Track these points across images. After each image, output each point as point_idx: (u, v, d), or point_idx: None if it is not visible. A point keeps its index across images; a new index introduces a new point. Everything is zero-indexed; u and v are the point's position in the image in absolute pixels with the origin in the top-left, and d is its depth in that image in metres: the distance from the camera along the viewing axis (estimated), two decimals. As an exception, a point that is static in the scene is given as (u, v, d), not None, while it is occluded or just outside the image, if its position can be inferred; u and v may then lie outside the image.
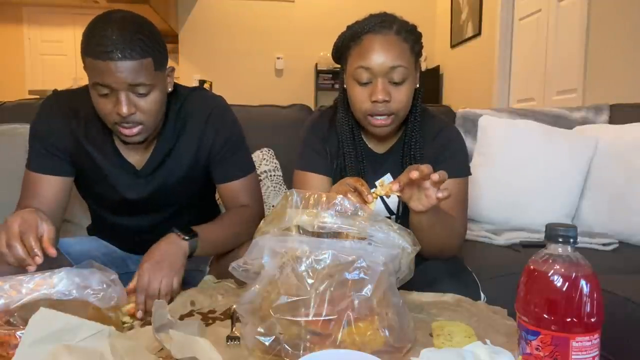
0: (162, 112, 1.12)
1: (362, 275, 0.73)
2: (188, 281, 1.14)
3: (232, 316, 0.89)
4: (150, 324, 0.78)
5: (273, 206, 1.78)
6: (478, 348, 0.71)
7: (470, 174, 1.21)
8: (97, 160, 1.17)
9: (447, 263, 1.14)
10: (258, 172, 1.83)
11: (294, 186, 1.21)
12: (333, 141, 1.20)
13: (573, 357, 0.58)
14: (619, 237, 1.69)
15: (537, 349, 0.59)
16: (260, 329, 0.73)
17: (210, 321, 0.90)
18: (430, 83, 5.13)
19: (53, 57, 6.17)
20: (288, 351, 0.71)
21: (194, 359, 0.68)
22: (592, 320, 0.58)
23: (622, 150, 1.76)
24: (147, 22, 1.06)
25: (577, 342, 0.57)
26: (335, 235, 0.81)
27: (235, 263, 0.80)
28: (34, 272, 0.85)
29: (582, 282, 0.58)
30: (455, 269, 1.15)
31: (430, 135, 1.19)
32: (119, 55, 0.97)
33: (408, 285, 0.89)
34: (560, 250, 0.60)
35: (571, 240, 0.60)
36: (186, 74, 5.37)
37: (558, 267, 0.59)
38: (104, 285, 0.85)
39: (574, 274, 0.58)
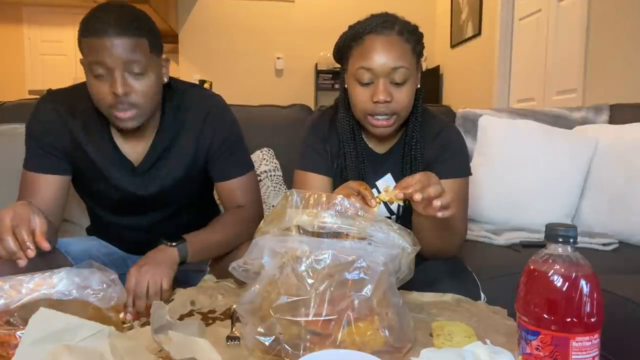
0: (157, 99, 1.11)
1: (362, 275, 0.73)
2: (188, 281, 1.14)
3: (232, 316, 0.89)
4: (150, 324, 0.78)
5: (273, 206, 1.78)
6: (478, 348, 0.71)
7: (470, 174, 1.21)
8: (94, 157, 1.17)
9: (447, 263, 1.14)
10: (258, 172, 1.83)
11: (294, 186, 1.21)
12: (333, 141, 1.20)
13: (573, 357, 0.58)
14: (619, 237, 1.69)
15: (537, 349, 0.59)
16: (260, 329, 0.73)
17: (210, 321, 0.90)
18: (430, 83, 5.13)
19: (53, 57, 6.17)
20: (288, 351, 0.71)
21: (194, 359, 0.68)
22: (592, 320, 0.58)
23: (622, 150, 1.76)
24: (143, 12, 1.09)
25: (577, 342, 0.57)
26: (335, 235, 0.81)
27: (235, 263, 0.80)
28: (33, 272, 0.85)
29: (582, 282, 0.58)
30: (455, 269, 1.15)
31: (431, 135, 1.19)
32: (115, 32, 0.99)
33: (408, 285, 0.89)
34: (560, 250, 0.60)
35: (571, 240, 0.60)
36: (186, 74, 5.37)
37: (558, 267, 0.59)
38: (104, 285, 0.85)
39: (574, 274, 0.58)
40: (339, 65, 1.20)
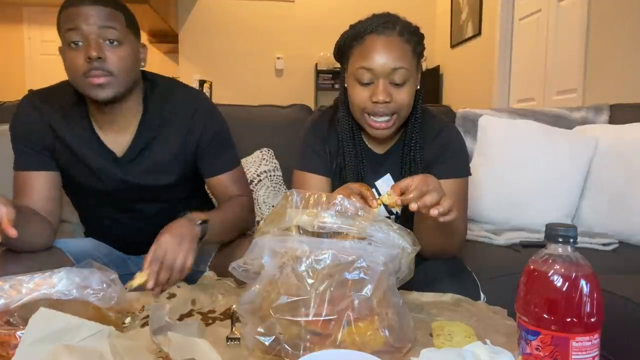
0: (132, 75, 1.12)
1: (362, 275, 0.73)
2: (188, 280, 1.14)
3: (232, 316, 0.89)
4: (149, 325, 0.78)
5: (273, 206, 1.78)
6: (478, 348, 0.71)
7: (470, 174, 1.21)
8: (76, 149, 1.17)
9: (447, 263, 1.14)
10: (258, 172, 1.83)
11: (294, 186, 1.21)
12: (333, 141, 1.20)
13: (573, 357, 0.58)
14: (619, 237, 1.69)
15: (537, 349, 0.59)
16: (260, 329, 0.73)
17: (210, 321, 0.90)
18: (430, 83, 5.13)
19: (53, 57, 6.12)
20: (288, 351, 0.71)
21: None
22: (592, 320, 0.58)
23: (622, 150, 1.76)
24: None
25: (577, 342, 0.57)
26: (335, 235, 0.81)
27: (235, 263, 0.80)
28: (34, 272, 0.85)
29: (582, 282, 0.58)
30: (455, 269, 1.15)
31: (431, 135, 1.19)
32: (92, 1, 1.05)
33: (408, 285, 0.89)
34: (560, 250, 0.60)
35: (571, 240, 0.60)
36: (186, 74, 5.37)
37: (558, 267, 0.59)
38: (104, 285, 0.85)
39: (574, 274, 0.58)
40: (339, 65, 1.20)
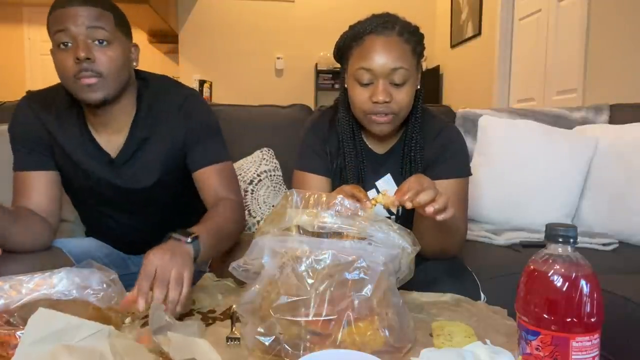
0: (123, 75, 1.11)
1: (362, 275, 0.73)
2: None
3: (232, 316, 0.89)
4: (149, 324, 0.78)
5: (273, 206, 1.78)
6: (478, 348, 0.71)
7: (470, 174, 1.21)
8: (70, 151, 1.17)
9: (447, 263, 1.14)
10: (258, 172, 1.83)
11: (293, 186, 1.21)
12: (333, 141, 1.20)
13: (573, 357, 0.57)
14: (619, 237, 1.69)
15: (537, 349, 0.59)
16: (260, 329, 0.73)
17: (210, 321, 0.90)
18: (430, 83, 5.13)
19: (53, 57, 6.16)
20: (288, 351, 0.71)
21: None
22: (592, 320, 0.58)
23: (622, 150, 1.76)
24: None
25: (577, 342, 0.57)
26: (335, 235, 0.81)
27: (235, 263, 0.80)
28: (34, 272, 0.85)
29: (582, 282, 0.58)
30: (455, 269, 1.15)
31: (431, 135, 1.19)
32: (79, 2, 1.04)
33: (408, 285, 0.89)
34: (560, 250, 0.60)
35: (571, 240, 0.60)
36: (186, 74, 5.37)
37: (558, 267, 0.59)
38: (104, 285, 0.85)
39: (574, 274, 0.58)
40: (339, 65, 1.20)
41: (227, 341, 0.80)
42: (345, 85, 1.15)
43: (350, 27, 1.12)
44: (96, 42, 1.05)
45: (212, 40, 5.48)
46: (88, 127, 1.17)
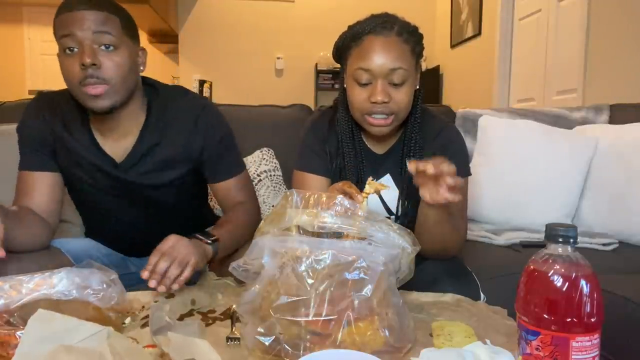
0: (130, 81, 1.10)
1: (362, 275, 0.73)
2: (188, 282, 1.14)
3: (232, 316, 0.89)
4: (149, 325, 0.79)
5: (273, 206, 1.78)
6: (478, 348, 0.71)
7: (470, 174, 1.21)
8: (77, 155, 1.17)
9: (447, 263, 1.14)
10: (258, 172, 1.83)
11: (293, 186, 1.21)
12: (333, 141, 1.20)
13: (573, 357, 0.57)
14: (619, 237, 1.69)
15: (537, 349, 0.59)
16: (260, 329, 0.73)
17: (210, 321, 0.90)
18: (430, 83, 5.13)
19: (53, 57, 6.06)
20: (288, 351, 0.71)
21: None
22: (592, 320, 0.58)
23: (622, 150, 1.76)
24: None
25: (577, 342, 0.57)
26: (336, 235, 0.81)
27: (235, 263, 0.80)
28: (33, 272, 0.85)
29: (582, 282, 0.58)
30: (455, 269, 1.15)
31: (431, 135, 1.19)
32: (85, 6, 1.02)
33: (408, 285, 0.89)
34: (560, 250, 0.60)
35: (571, 240, 0.60)
36: (186, 74, 5.37)
37: (558, 267, 0.59)
38: (104, 285, 0.85)
39: (574, 274, 0.58)
40: (338, 65, 1.20)
41: (227, 341, 0.80)
42: (345, 86, 1.15)
43: (349, 27, 1.12)
44: (102, 47, 1.03)
45: (212, 40, 5.48)
46: (93, 132, 1.17)
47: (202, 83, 5.15)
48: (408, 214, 1.18)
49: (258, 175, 1.84)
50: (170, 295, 1.00)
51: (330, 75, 5.46)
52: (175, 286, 0.94)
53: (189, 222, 1.25)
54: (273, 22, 5.54)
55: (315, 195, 0.83)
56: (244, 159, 1.86)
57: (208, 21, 5.49)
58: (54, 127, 1.17)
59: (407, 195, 1.18)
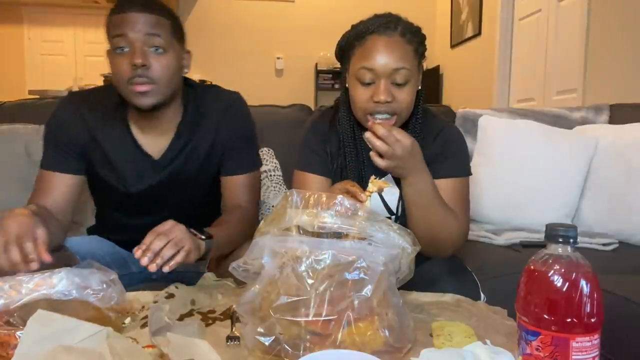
0: (175, 82, 1.15)
1: (362, 275, 0.73)
2: (188, 282, 1.14)
3: (232, 316, 0.89)
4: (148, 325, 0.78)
5: (273, 206, 1.78)
6: (478, 348, 0.71)
7: (470, 174, 1.21)
8: (111, 153, 1.19)
9: (447, 263, 1.14)
10: (258, 172, 1.83)
11: (293, 186, 1.21)
12: (334, 141, 1.20)
13: (573, 357, 0.57)
14: (619, 237, 1.69)
15: (537, 349, 0.59)
16: (260, 329, 0.73)
17: (210, 321, 0.90)
18: (430, 83, 5.13)
19: (53, 57, 6.16)
20: (288, 351, 0.71)
21: None
22: (592, 320, 0.58)
23: (622, 150, 1.76)
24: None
25: (577, 342, 0.57)
26: (336, 235, 0.81)
27: (235, 263, 0.79)
28: (34, 272, 0.85)
29: (582, 282, 0.58)
30: (455, 269, 1.14)
31: (432, 134, 1.19)
32: (138, 8, 1.07)
33: (408, 285, 0.89)
34: (560, 250, 0.60)
35: (571, 240, 0.60)
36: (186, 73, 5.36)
37: (558, 267, 0.59)
38: (104, 285, 0.85)
39: (574, 274, 0.58)
40: (339, 65, 1.20)
41: (227, 341, 0.80)
42: (347, 85, 1.15)
43: (353, 26, 1.12)
44: (152, 49, 1.08)
45: (212, 40, 5.48)
46: (131, 129, 1.20)
47: (202, 83, 5.15)
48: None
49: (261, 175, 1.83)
50: (170, 295, 1.00)
51: (330, 75, 5.47)
52: (166, 268, 0.91)
53: (200, 218, 1.25)
54: (273, 22, 5.54)
55: (316, 195, 0.83)
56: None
57: (208, 21, 5.49)
58: (91, 124, 1.19)
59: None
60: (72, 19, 6.11)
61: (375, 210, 0.93)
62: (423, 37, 1.12)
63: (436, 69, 5.24)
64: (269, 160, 1.89)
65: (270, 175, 1.86)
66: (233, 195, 1.26)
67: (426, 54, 1.15)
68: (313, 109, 2.08)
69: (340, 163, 1.19)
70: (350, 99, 1.13)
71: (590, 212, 1.81)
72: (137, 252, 0.90)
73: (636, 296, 1.14)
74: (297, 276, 0.73)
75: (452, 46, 5.05)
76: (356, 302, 0.72)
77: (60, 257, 1.11)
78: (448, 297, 1.03)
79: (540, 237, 1.66)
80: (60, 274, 0.82)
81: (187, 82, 1.25)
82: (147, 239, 0.92)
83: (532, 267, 0.62)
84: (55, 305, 0.77)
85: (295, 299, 0.72)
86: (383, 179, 1.20)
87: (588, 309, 0.57)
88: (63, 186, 1.18)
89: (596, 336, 0.58)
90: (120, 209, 1.28)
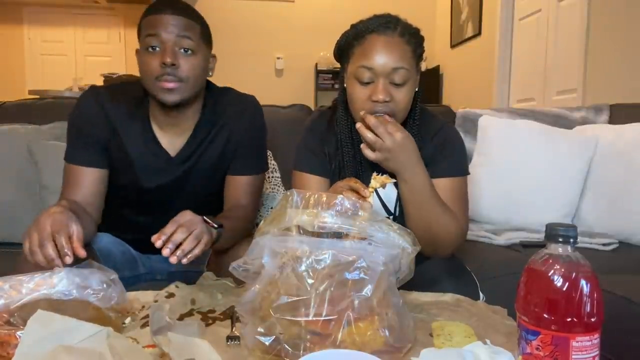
0: (200, 84, 1.19)
1: (362, 275, 0.73)
2: (188, 281, 1.14)
3: (232, 316, 0.89)
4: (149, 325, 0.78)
5: (271, 208, 1.78)
6: (478, 348, 0.71)
7: (468, 174, 1.20)
8: (130, 148, 1.22)
9: (447, 263, 1.14)
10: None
11: (292, 187, 1.21)
12: (331, 142, 1.20)
13: (573, 357, 0.57)
14: (619, 237, 1.69)
15: (537, 348, 0.59)
16: (260, 329, 0.73)
17: (210, 321, 0.90)
18: (430, 83, 5.13)
19: (53, 57, 6.16)
20: (288, 351, 0.71)
21: None
22: (592, 320, 0.58)
23: (622, 150, 1.76)
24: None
25: (577, 342, 0.57)
26: (336, 235, 0.81)
27: (235, 263, 0.80)
28: (34, 272, 0.85)
29: (582, 282, 0.58)
30: (455, 269, 1.14)
31: (429, 135, 1.19)
32: (172, 11, 1.12)
33: (408, 285, 0.89)
34: (560, 250, 0.60)
35: (571, 240, 0.60)
36: (186, 74, 5.37)
37: (558, 267, 0.59)
38: (104, 285, 0.85)
39: (574, 274, 0.58)
40: (339, 65, 1.20)
41: (227, 341, 0.80)
42: (345, 85, 1.15)
43: (352, 26, 1.13)
44: (182, 50, 1.12)
45: (212, 40, 5.47)
46: (152, 126, 1.23)
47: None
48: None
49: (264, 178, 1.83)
50: (170, 294, 1.00)
51: (330, 75, 5.47)
52: (184, 260, 0.93)
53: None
54: (273, 22, 5.54)
55: (316, 195, 0.83)
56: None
57: (208, 21, 5.45)
58: (113, 117, 1.21)
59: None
60: (72, 19, 6.11)
61: (374, 210, 0.93)
62: (422, 39, 1.12)
63: (436, 69, 5.24)
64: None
65: (269, 177, 1.86)
66: (235, 195, 1.28)
67: (426, 54, 1.15)
68: (313, 109, 2.08)
69: (338, 163, 1.19)
70: (348, 99, 1.13)
71: (590, 212, 1.81)
72: (158, 241, 0.92)
73: (636, 296, 1.14)
74: (297, 276, 0.73)
75: (452, 46, 5.05)
76: (356, 302, 0.72)
77: (90, 252, 1.12)
78: (448, 297, 1.03)
79: (540, 237, 1.66)
80: (61, 274, 0.83)
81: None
82: (168, 228, 0.94)
83: (532, 266, 0.62)
84: (55, 305, 0.77)
85: (295, 298, 0.72)
86: (385, 175, 1.20)
87: (588, 309, 0.57)
88: (91, 180, 1.20)
89: (596, 336, 0.58)
90: (130, 205, 1.29)
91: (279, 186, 1.87)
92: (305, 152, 1.21)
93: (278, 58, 5.62)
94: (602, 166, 1.80)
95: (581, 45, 3.01)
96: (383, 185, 0.96)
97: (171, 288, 1.02)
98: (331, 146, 1.20)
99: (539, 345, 0.59)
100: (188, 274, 1.19)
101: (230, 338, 0.81)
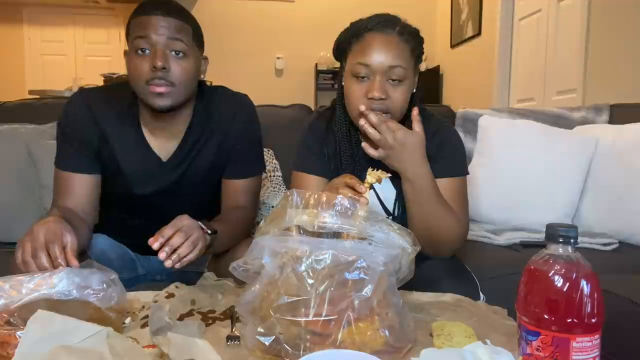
0: (191, 87, 1.16)
1: (362, 275, 0.73)
2: (188, 282, 1.14)
3: (232, 316, 0.89)
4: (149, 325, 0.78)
5: (273, 207, 1.78)
6: (478, 348, 0.71)
7: (467, 174, 1.20)
8: (120, 153, 1.19)
9: (447, 263, 1.14)
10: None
11: (291, 186, 1.21)
12: (330, 142, 1.20)
13: (573, 357, 0.57)
14: (619, 237, 1.69)
15: (537, 349, 0.59)
16: (260, 329, 0.73)
17: (210, 321, 0.90)
18: (430, 83, 5.13)
19: (53, 57, 6.16)
20: (288, 351, 0.71)
21: None
22: (593, 320, 0.57)
23: (622, 150, 1.76)
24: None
25: (577, 342, 0.57)
26: (336, 235, 0.81)
27: (235, 263, 0.80)
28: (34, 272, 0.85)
29: (583, 282, 0.58)
30: (455, 269, 1.15)
31: (428, 134, 1.19)
32: (163, 13, 1.08)
33: (408, 285, 0.89)
34: (560, 250, 0.60)
35: (571, 240, 0.60)
36: (186, 74, 5.36)
37: (558, 267, 0.59)
38: (104, 285, 0.85)
39: (574, 274, 0.58)
40: (339, 65, 1.20)
41: (227, 341, 0.80)
42: (343, 84, 1.15)
43: (351, 24, 1.13)
44: (173, 53, 1.09)
45: (212, 40, 5.42)
46: (142, 130, 1.20)
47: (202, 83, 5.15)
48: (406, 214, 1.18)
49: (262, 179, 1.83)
50: (170, 295, 1.00)
51: (330, 75, 5.47)
52: (178, 265, 0.93)
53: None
54: (273, 22, 5.54)
55: (315, 195, 0.83)
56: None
57: (208, 21, 5.47)
58: (104, 122, 1.18)
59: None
60: (72, 18, 6.12)
61: (373, 209, 0.93)
62: (421, 39, 1.12)
63: (436, 69, 5.24)
64: (268, 161, 1.89)
65: (270, 176, 1.86)
66: (233, 198, 1.26)
67: (426, 54, 1.15)
68: (313, 109, 2.08)
69: (337, 164, 1.19)
70: (345, 96, 1.13)
71: (590, 212, 1.81)
72: (155, 244, 0.91)
73: (636, 296, 1.14)
74: (297, 276, 0.73)
75: (452, 46, 5.05)
76: (356, 302, 0.72)
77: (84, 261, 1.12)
78: (448, 297, 1.03)
79: (540, 237, 1.66)
80: (61, 274, 0.82)
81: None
82: (166, 231, 0.93)
83: (532, 267, 0.62)
84: (55, 305, 0.77)
85: (295, 299, 0.72)
86: (380, 170, 1.20)
87: (588, 309, 0.57)
88: (84, 187, 1.18)
89: (597, 336, 0.58)
90: (125, 210, 1.27)
91: (280, 185, 1.87)
92: (304, 152, 1.21)
93: (278, 58, 5.62)
94: (602, 166, 1.80)
95: (581, 45, 3.01)
96: (379, 180, 0.96)
97: (171, 288, 1.02)
98: (330, 146, 1.20)
99: (539, 345, 0.59)
100: (188, 275, 1.19)
101: (230, 338, 0.81)
